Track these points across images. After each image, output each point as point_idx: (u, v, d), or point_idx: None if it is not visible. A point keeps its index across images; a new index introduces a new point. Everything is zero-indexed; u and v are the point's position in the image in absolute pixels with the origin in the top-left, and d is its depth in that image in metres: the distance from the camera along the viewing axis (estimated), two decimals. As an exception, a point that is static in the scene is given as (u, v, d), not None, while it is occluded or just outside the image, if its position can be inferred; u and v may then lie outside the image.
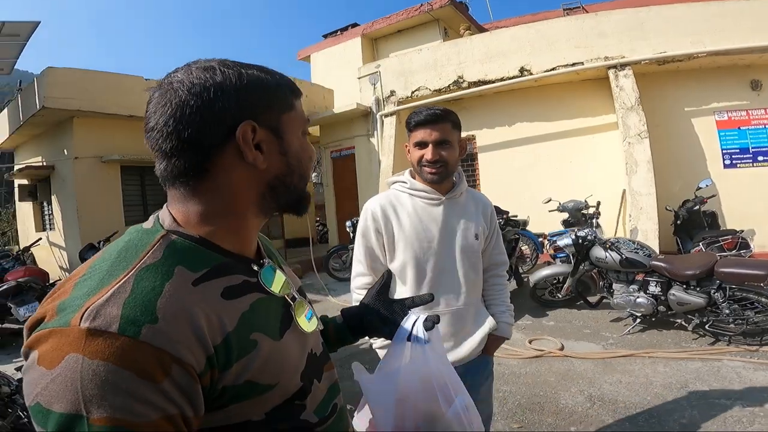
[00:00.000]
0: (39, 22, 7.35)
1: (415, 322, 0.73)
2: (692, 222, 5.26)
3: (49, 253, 8.76)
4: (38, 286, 4.20)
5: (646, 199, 5.43)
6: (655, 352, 3.22)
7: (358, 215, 6.04)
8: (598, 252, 3.89)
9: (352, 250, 5.88)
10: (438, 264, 1.33)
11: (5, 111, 9.24)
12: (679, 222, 5.30)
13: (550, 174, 6.89)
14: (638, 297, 3.62)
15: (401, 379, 0.70)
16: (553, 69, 6.51)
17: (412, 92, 7.86)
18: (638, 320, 3.71)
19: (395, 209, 1.36)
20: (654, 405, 2.50)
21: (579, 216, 5.88)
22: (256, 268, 0.58)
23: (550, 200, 5.83)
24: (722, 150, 6.00)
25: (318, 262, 7.07)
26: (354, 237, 6.65)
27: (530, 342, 3.66)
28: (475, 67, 7.17)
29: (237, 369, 0.49)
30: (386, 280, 0.86)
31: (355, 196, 8.81)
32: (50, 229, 9.09)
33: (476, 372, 1.40)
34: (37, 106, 7.23)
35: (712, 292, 3.28)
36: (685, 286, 3.45)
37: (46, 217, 9.43)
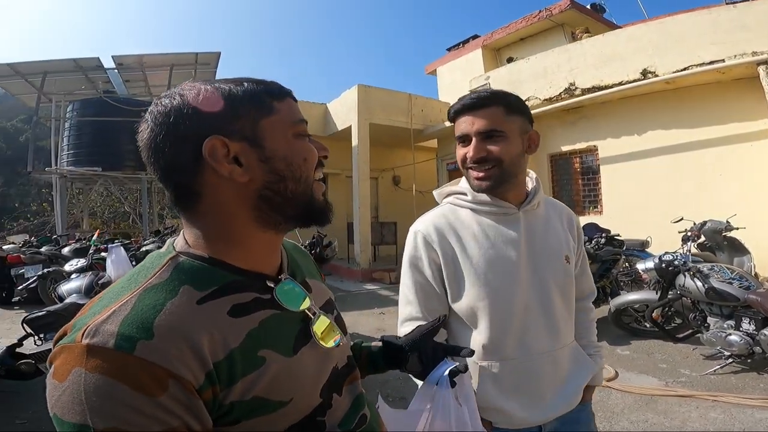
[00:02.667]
0: (220, 53, 9.77)
1: (445, 367, 0.74)
2: None
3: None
4: None
5: None
6: (721, 396, 2.80)
7: None
8: (682, 280, 3.47)
9: None
10: (523, 299, 1.00)
11: None
12: None
13: (686, 189, 5.96)
14: (731, 334, 3.13)
15: (421, 421, 0.71)
16: (684, 69, 5.65)
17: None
18: (731, 360, 3.21)
19: (456, 230, 1.03)
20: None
21: (719, 239, 5.02)
22: (271, 284, 0.58)
23: (681, 219, 5.11)
24: None
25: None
26: None
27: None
28: (588, 72, 6.68)
29: (243, 385, 0.49)
30: (439, 324, 0.83)
31: (467, 208, 9.00)
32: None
33: (575, 423, 1.10)
34: None
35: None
36: None
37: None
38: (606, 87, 6.45)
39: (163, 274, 0.51)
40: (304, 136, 0.59)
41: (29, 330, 2.86)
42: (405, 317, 1.06)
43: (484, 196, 1.03)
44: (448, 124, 9.00)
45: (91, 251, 4.90)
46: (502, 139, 0.99)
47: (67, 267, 4.50)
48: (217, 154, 0.52)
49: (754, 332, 3.06)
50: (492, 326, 0.99)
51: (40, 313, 2.88)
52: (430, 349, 0.80)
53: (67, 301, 3.26)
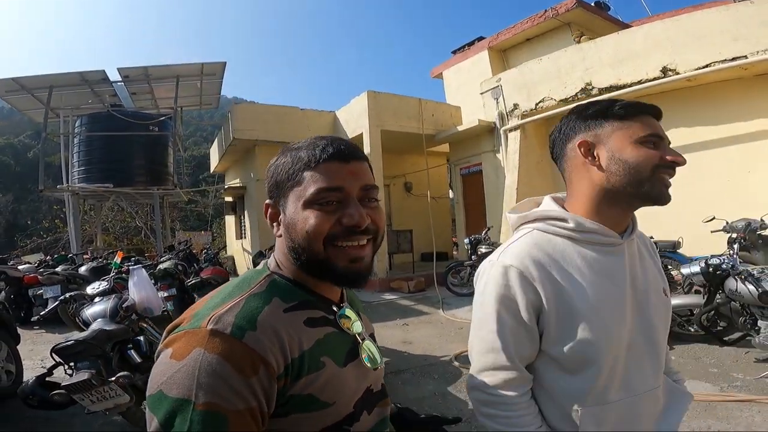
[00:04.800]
0: (225, 63, 9.74)
1: None
2: None
3: (242, 256, 11.40)
4: (216, 282, 5.73)
5: None
6: None
7: (479, 232, 6.25)
8: (732, 284, 3.36)
9: (470, 267, 6.15)
10: (627, 339, 0.90)
11: (215, 141, 12.43)
12: None
13: (714, 187, 5.81)
14: None
15: None
16: (706, 66, 5.53)
17: (536, 104, 7.60)
18: None
19: (558, 265, 0.89)
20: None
21: (754, 238, 4.87)
22: (335, 309, 0.70)
23: (713, 218, 4.97)
24: None
25: (440, 277, 7.49)
26: (474, 253, 7.06)
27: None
28: (604, 71, 6.57)
29: (305, 381, 0.59)
30: (455, 422, 0.93)
31: (483, 213, 8.91)
32: (243, 237, 11.80)
33: None
34: (231, 138, 9.56)
35: None
36: None
37: (242, 228, 12.26)
38: (624, 86, 6.34)
39: (262, 286, 0.65)
40: (321, 206, 0.63)
41: (58, 359, 2.78)
42: (489, 366, 0.91)
43: (591, 224, 0.89)
44: (460, 128, 8.99)
45: (113, 274, 4.83)
46: None
47: (89, 290, 4.41)
48: (266, 213, 0.71)
49: None
50: (600, 373, 0.88)
51: (68, 343, 2.79)
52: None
53: (93, 326, 3.16)
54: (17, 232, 20.03)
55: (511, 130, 8.00)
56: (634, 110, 0.87)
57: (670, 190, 0.88)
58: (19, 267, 7.19)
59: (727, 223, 4.90)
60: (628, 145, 0.86)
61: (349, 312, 0.72)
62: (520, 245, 0.91)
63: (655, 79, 5.99)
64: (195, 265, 7.33)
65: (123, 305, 3.57)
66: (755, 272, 3.30)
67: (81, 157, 9.64)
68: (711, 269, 3.51)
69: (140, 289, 3.87)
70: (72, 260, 7.81)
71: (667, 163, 0.85)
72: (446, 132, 9.39)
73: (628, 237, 0.92)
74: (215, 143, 12.26)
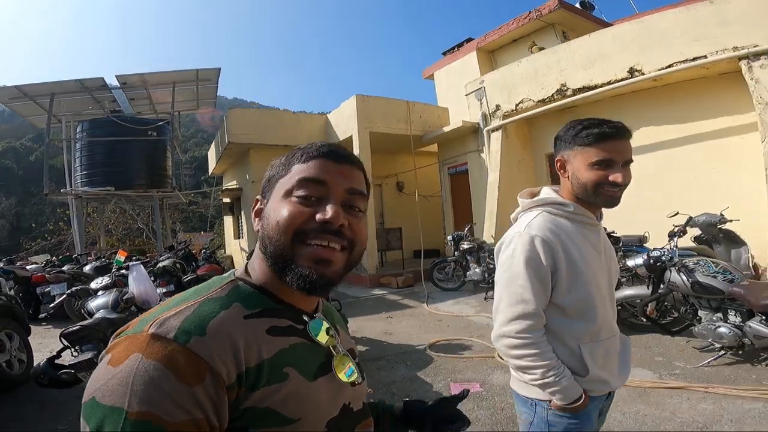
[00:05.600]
0: (219, 69, 10.09)
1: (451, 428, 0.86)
2: None
3: (240, 256, 11.79)
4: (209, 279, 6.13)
5: None
6: (712, 388, 2.98)
7: (462, 230, 6.61)
8: (669, 275, 3.65)
9: (453, 262, 6.59)
10: (605, 294, 1.24)
11: (213, 144, 12.81)
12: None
13: (680, 184, 6.12)
14: (720, 326, 3.29)
15: None
16: (669, 66, 5.84)
17: (516, 105, 7.92)
18: (723, 352, 3.37)
19: (566, 236, 1.19)
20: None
21: (714, 232, 5.18)
22: (306, 318, 0.65)
23: (677, 214, 5.29)
24: None
25: (427, 273, 7.85)
26: (457, 249, 7.39)
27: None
28: (578, 73, 6.88)
29: (262, 393, 0.54)
30: (462, 398, 0.91)
31: (471, 211, 9.25)
32: (240, 237, 12.19)
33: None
34: (226, 141, 9.93)
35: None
36: (765, 317, 3.04)
37: (239, 228, 12.64)
38: (596, 87, 6.65)
39: (223, 291, 0.61)
40: (299, 198, 0.61)
41: (66, 343, 3.15)
42: (518, 315, 1.17)
43: (583, 209, 1.21)
44: (446, 129, 9.33)
45: (114, 270, 5.21)
46: (629, 169, 1.17)
47: (93, 285, 4.80)
48: (255, 207, 0.68)
49: (741, 324, 3.21)
50: (597, 317, 1.19)
51: (75, 328, 3.17)
52: (443, 416, 0.87)
53: (97, 315, 3.54)
54: (21, 234, 20.48)
55: (493, 130, 8.32)
56: (596, 137, 1.13)
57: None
58: (27, 267, 7.59)
59: (690, 218, 5.22)
60: (583, 167, 1.16)
61: (322, 323, 0.67)
62: (538, 222, 1.20)
63: (623, 79, 6.29)
64: (193, 263, 7.71)
65: (123, 298, 3.96)
66: (690, 263, 3.56)
67: (83, 162, 10.05)
68: (652, 261, 3.76)
69: (139, 283, 4.27)
70: (77, 260, 8.21)
71: (609, 182, 1.14)
72: (433, 133, 9.72)
73: (601, 221, 1.28)
74: (213, 146, 12.65)
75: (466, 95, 9.10)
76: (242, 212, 11.44)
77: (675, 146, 6.25)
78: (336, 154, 0.64)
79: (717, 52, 5.40)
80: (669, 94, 6.21)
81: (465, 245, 6.99)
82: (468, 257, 6.99)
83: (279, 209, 0.61)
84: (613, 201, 1.18)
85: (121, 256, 4.64)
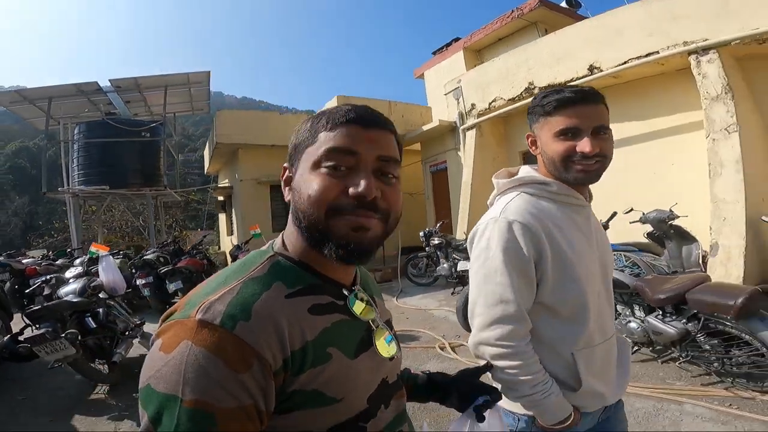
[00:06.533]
0: (209, 72, 10.47)
1: (476, 403, 0.82)
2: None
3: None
4: (188, 271, 6.48)
5: (732, 207, 4.60)
6: None
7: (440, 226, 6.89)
8: None
9: (425, 257, 6.90)
10: (597, 288, 1.04)
11: (207, 144, 13.25)
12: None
13: (642, 180, 6.22)
14: (630, 321, 3.32)
15: None
16: (625, 63, 5.95)
17: (490, 104, 8.09)
18: (636, 348, 3.39)
19: (549, 220, 1.00)
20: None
21: (665, 228, 5.29)
22: (346, 293, 0.64)
23: (631, 210, 5.42)
24: None
25: (403, 269, 8.09)
26: (428, 245, 7.57)
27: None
28: (544, 71, 7.03)
29: (308, 376, 0.54)
30: (486, 370, 0.91)
31: (450, 208, 9.45)
32: (232, 234, 12.57)
33: (619, 410, 1.14)
34: (215, 142, 10.32)
35: (685, 322, 2.93)
36: (662, 313, 3.11)
37: (232, 225, 13.03)
38: (559, 85, 6.80)
39: (263, 269, 0.59)
40: (329, 168, 0.58)
41: (28, 321, 3.48)
42: (498, 318, 0.96)
43: (567, 188, 1.03)
44: (425, 127, 9.55)
45: (85, 259, 5.59)
46: (608, 136, 0.99)
47: (68, 274, 5.17)
48: (283, 176, 0.65)
49: (643, 319, 3.21)
50: (589, 317, 0.99)
51: (35, 308, 3.50)
52: (468, 387, 0.86)
53: (63, 299, 3.88)
54: (31, 231, 21.27)
55: (468, 128, 8.50)
56: (558, 103, 0.98)
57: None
58: (23, 261, 8.04)
59: (643, 214, 5.33)
60: (549, 138, 1.00)
61: (361, 295, 0.67)
62: (516, 204, 1.01)
63: (584, 77, 6.42)
64: (181, 258, 8.06)
65: (91, 285, 4.29)
66: None
67: (80, 162, 10.54)
68: None
69: (107, 273, 4.61)
70: (70, 254, 8.65)
71: (578, 153, 0.96)
72: (413, 132, 9.95)
73: (590, 202, 1.10)
74: (207, 146, 13.09)
75: (445, 94, 9.30)
76: (233, 210, 11.82)
77: (636, 143, 6.29)
78: (364, 119, 0.61)
79: (668, 47, 5.47)
80: (628, 91, 6.29)
81: (435, 240, 7.21)
82: (438, 252, 7.21)
83: (309, 182, 0.59)
84: (587, 176, 1.00)
85: (94, 248, 4.99)
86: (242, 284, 0.56)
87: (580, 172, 0.99)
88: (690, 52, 5.30)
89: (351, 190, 0.57)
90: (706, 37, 5.16)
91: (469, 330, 4.20)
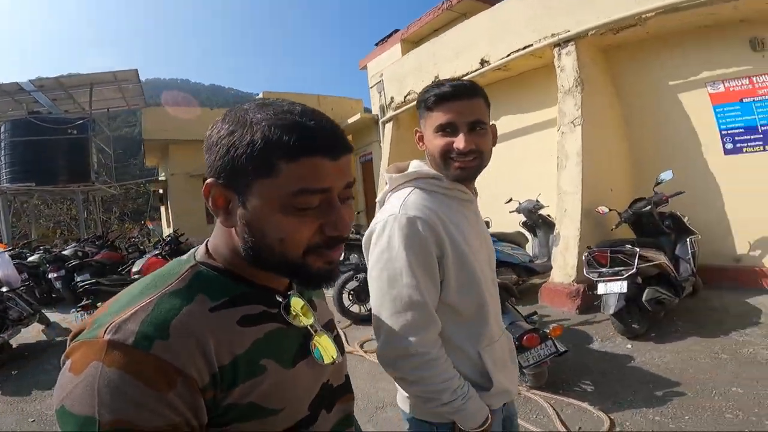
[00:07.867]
0: (137, 70, 10.42)
1: None
2: (643, 227, 4.31)
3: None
4: (98, 265, 6.49)
5: (571, 198, 4.66)
6: None
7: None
8: None
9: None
10: (489, 285, 1.03)
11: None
12: (617, 227, 4.46)
13: (531, 171, 6.16)
14: None
15: None
16: (508, 56, 5.93)
17: (405, 97, 8.09)
18: None
19: (445, 216, 0.96)
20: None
21: (534, 217, 5.43)
22: (280, 299, 0.60)
23: (510, 200, 5.55)
24: (721, 131, 4.60)
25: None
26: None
27: (361, 345, 3.88)
28: (447, 65, 6.99)
29: (242, 390, 0.52)
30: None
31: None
32: (169, 226, 12.60)
33: (512, 404, 1.13)
34: (141, 138, 10.31)
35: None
36: None
37: (168, 217, 13.07)
38: (458, 78, 6.84)
39: (183, 281, 0.54)
40: (300, 210, 0.52)
41: None
42: (409, 325, 0.89)
43: (456, 183, 1.01)
44: (351, 120, 9.58)
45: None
46: (485, 132, 0.98)
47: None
48: (205, 194, 0.55)
49: None
50: (489, 314, 0.99)
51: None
52: None
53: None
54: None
55: (386, 121, 8.56)
56: (437, 98, 0.96)
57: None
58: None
59: (519, 203, 5.47)
60: (431, 134, 0.99)
61: (295, 301, 0.62)
62: (414, 200, 0.96)
63: (476, 70, 6.37)
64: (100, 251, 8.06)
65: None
66: None
67: (6, 160, 10.42)
68: None
69: (2, 268, 4.93)
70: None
71: (454, 150, 0.95)
72: (344, 123, 9.94)
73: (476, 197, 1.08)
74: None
75: (370, 87, 9.34)
76: (168, 203, 11.92)
77: (526, 134, 6.32)
78: (330, 148, 0.53)
79: (540, 39, 5.43)
80: (519, 84, 6.28)
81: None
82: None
83: (280, 225, 0.53)
84: (465, 173, 0.98)
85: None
86: (158, 299, 0.51)
87: (457, 169, 0.97)
88: (555, 44, 5.24)
89: (328, 231, 0.54)
90: (568, 29, 5.10)
91: (344, 315, 4.35)
